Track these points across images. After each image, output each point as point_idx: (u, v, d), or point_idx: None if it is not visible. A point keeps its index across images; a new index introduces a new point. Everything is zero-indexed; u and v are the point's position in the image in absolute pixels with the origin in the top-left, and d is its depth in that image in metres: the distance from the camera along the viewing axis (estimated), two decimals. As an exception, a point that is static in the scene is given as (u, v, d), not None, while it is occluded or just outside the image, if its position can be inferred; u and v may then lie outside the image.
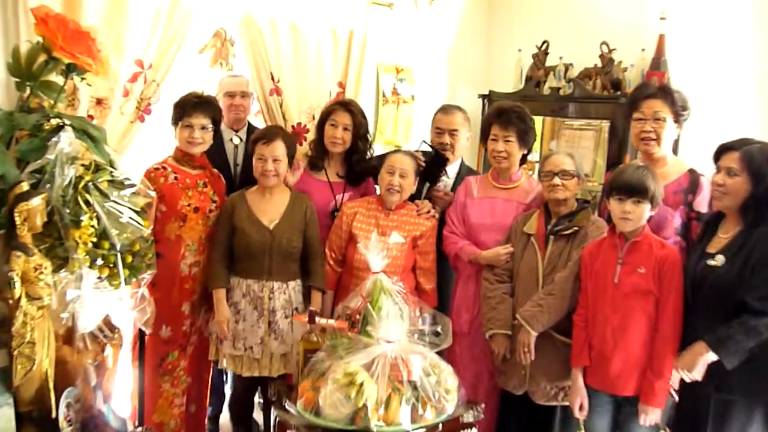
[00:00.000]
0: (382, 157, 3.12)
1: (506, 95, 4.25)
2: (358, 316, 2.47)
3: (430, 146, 3.23)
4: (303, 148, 3.44)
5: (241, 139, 3.42)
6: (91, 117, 2.87)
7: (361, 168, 3.22)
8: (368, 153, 3.26)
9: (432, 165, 3.17)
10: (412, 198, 3.08)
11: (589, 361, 2.54)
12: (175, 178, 2.89)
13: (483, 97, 4.39)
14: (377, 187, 3.15)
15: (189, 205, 2.87)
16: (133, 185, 2.12)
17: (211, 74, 3.85)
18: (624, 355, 2.44)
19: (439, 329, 2.47)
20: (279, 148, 2.90)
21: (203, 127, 2.90)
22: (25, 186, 1.94)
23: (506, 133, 2.97)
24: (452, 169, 3.29)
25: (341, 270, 3.04)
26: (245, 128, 3.47)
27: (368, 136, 3.25)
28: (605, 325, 2.48)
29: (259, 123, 3.65)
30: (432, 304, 2.87)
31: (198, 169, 2.96)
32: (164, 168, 2.91)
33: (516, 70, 4.40)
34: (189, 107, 2.88)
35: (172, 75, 3.08)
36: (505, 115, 3.00)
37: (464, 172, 3.32)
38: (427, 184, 3.25)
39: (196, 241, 2.90)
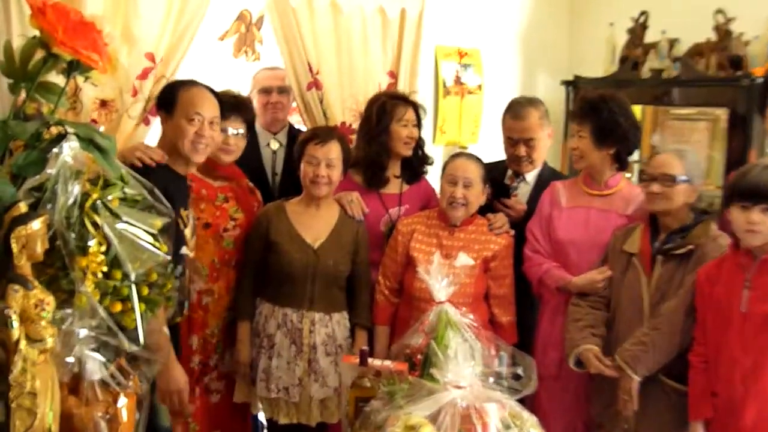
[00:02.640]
0: (446, 163, 3.13)
1: (596, 81, 4.22)
2: (419, 357, 2.46)
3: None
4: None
5: (280, 144, 3.51)
6: (94, 122, 3.01)
7: (416, 167, 3.33)
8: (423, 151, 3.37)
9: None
10: (484, 210, 3.07)
11: (713, 412, 2.47)
12: (189, 187, 2.98)
13: (567, 83, 4.37)
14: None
15: (198, 219, 2.94)
16: (150, 205, 2.16)
17: (235, 65, 3.92)
18: (760, 404, 2.36)
19: (520, 371, 2.43)
20: (334, 150, 2.96)
21: (237, 133, 2.98)
22: (22, 207, 1.94)
23: (579, 128, 2.97)
24: (531, 174, 3.28)
25: (398, 301, 3.06)
26: (285, 130, 3.55)
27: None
28: (733, 366, 2.40)
29: (299, 124, 3.74)
30: (511, 340, 2.86)
31: (221, 181, 3.05)
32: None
33: (607, 50, 4.37)
34: (224, 109, 2.94)
35: (186, 68, 3.20)
36: (580, 106, 3.02)
37: (547, 176, 3.29)
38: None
39: (207, 264, 2.97)
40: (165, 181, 2.38)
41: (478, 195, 2.98)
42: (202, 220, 2.95)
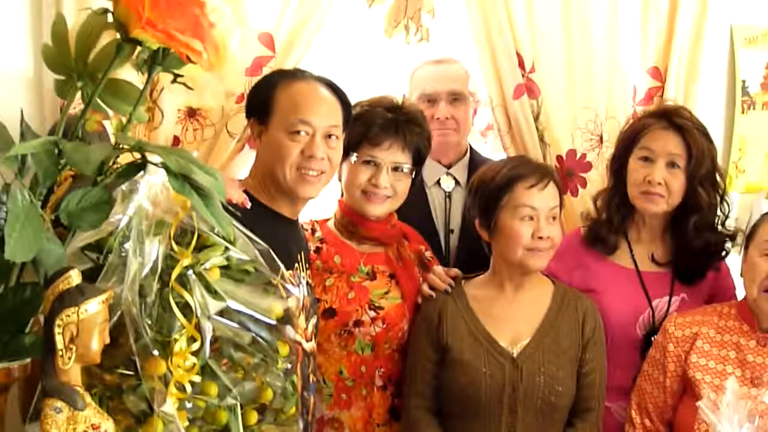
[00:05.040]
0: (757, 224, 3.00)
1: None
2: None
3: None
4: (580, 203, 3.50)
5: (456, 182, 3.55)
6: (176, 141, 3.15)
7: (706, 245, 3.17)
8: (721, 208, 3.22)
9: None
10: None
11: None
12: (317, 250, 3.06)
13: None
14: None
15: (318, 302, 2.97)
16: (266, 280, 2.21)
17: (389, 49, 3.94)
18: None
19: None
20: (553, 197, 2.96)
21: (397, 168, 3.01)
22: (73, 278, 2.00)
23: None
24: None
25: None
26: (464, 161, 3.61)
27: (717, 175, 3.21)
28: None
29: (489, 152, 3.76)
30: None
31: (369, 244, 3.12)
32: (312, 231, 3.09)
33: None
34: (375, 128, 2.99)
35: (316, 56, 3.30)
36: None
37: None
38: None
39: (331, 377, 3.02)
40: (259, 228, 2.33)
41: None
42: (324, 303, 3.00)
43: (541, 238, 2.90)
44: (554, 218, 2.94)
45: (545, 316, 3.00)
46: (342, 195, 3.14)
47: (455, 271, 3.15)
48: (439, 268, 3.15)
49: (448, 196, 3.55)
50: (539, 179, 2.93)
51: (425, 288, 3.09)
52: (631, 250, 3.24)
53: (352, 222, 3.08)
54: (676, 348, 2.94)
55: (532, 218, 2.91)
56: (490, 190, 3.00)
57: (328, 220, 3.16)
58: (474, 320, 2.99)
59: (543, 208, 2.91)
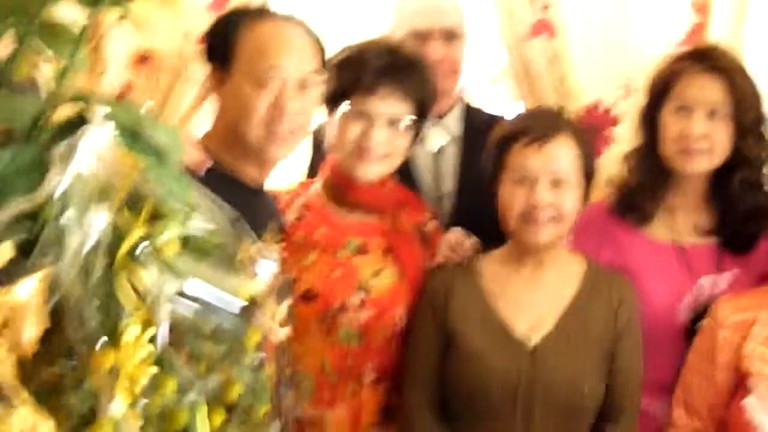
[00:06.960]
0: None
1: None
2: None
3: None
4: (607, 166, 3.51)
5: (449, 137, 3.62)
6: (126, 90, 3.20)
7: (756, 206, 3.20)
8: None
9: None
10: None
11: None
12: (299, 218, 3.10)
13: None
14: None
15: (295, 282, 3.00)
16: (230, 254, 2.20)
17: None
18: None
19: None
20: (564, 155, 2.97)
21: (393, 122, 3.03)
22: (3, 253, 1.92)
23: None
24: None
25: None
26: (458, 111, 3.69)
27: (764, 126, 3.23)
28: None
29: (497, 103, 3.82)
30: None
31: (359, 214, 3.15)
32: (295, 195, 3.14)
33: None
34: (368, 73, 3.02)
35: None
36: None
37: None
38: None
39: (313, 371, 3.06)
40: (218, 195, 2.26)
41: None
42: (303, 284, 3.03)
43: (536, 206, 2.90)
44: (563, 183, 2.91)
45: (572, 300, 3.01)
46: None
47: (475, 240, 3.16)
48: (457, 231, 3.16)
49: (438, 153, 3.60)
50: (538, 136, 2.93)
51: (445, 249, 3.09)
52: (669, 220, 3.23)
53: (339, 186, 3.09)
54: (730, 335, 2.92)
55: (527, 182, 2.91)
56: (493, 151, 3.03)
57: (314, 182, 3.17)
58: (486, 303, 3.00)
59: (541, 170, 2.90)
